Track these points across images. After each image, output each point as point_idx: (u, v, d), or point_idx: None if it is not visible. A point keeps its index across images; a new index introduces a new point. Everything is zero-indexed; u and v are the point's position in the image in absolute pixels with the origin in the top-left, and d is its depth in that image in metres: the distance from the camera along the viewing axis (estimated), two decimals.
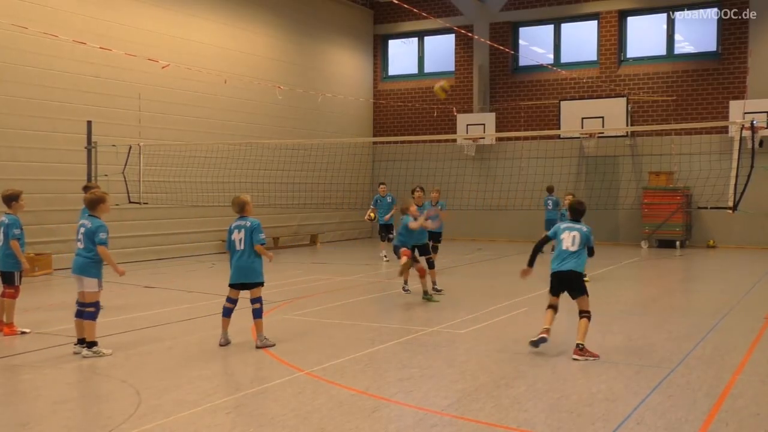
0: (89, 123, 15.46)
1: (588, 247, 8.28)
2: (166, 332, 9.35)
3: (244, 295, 8.59)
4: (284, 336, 8.99)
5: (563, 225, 8.45)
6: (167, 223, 18.58)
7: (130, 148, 16.13)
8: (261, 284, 8.51)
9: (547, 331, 8.17)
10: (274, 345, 8.41)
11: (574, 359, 7.80)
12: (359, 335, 9.12)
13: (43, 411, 6.22)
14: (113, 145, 15.84)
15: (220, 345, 8.43)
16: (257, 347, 8.31)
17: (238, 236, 8.41)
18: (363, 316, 10.59)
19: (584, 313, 8.10)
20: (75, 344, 8.17)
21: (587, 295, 8.20)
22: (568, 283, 8.23)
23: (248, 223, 8.42)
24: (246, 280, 8.44)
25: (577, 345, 7.92)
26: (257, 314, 8.40)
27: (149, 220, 17.92)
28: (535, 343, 8.11)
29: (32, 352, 8.26)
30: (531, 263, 8.47)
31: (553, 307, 8.33)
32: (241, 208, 8.54)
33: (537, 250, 8.51)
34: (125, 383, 6.94)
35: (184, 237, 19.09)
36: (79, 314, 8.15)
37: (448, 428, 5.71)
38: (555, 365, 7.66)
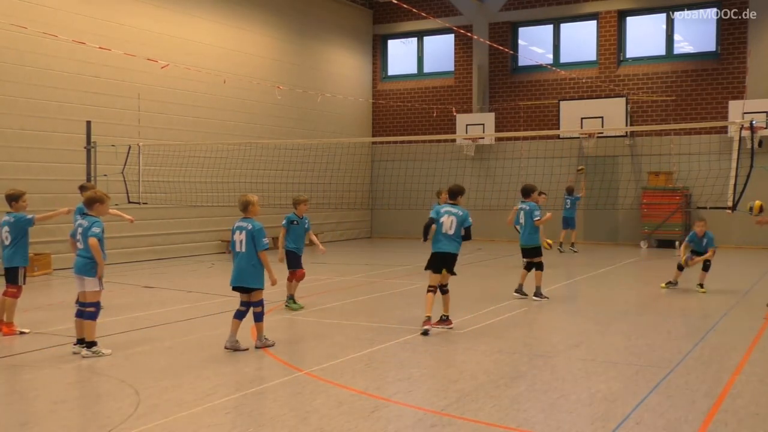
0: (88, 123, 15.45)
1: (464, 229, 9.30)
2: (165, 332, 9.35)
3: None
4: (284, 336, 8.99)
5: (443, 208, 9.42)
6: (167, 223, 18.58)
7: (130, 148, 16.13)
8: (261, 288, 8.42)
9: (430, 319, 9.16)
10: (273, 345, 8.40)
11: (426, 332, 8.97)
12: (359, 335, 9.12)
13: (42, 411, 6.23)
14: (112, 145, 15.83)
15: (225, 348, 8.26)
16: (257, 347, 8.31)
17: (239, 237, 8.35)
18: (362, 316, 10.59)
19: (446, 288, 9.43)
20: (74, 344, 8.17)
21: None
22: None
23: (250, 226, 8.32)
24: (245, 284, 8.35)
25: (443, 317, 9.34)
26: (258, 317, 8.37)
27: (149, 220, 17.91)
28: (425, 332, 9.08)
29: (31, 352, 8.26)
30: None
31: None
32: (244, 207, 8.49)
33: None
34: (124, 383, 6.94)
35: (184, 237, 19.09)
36: (80, 314, 8.15)
37: (448, 428, 5.72)
38: (554, 365, 7.67)
